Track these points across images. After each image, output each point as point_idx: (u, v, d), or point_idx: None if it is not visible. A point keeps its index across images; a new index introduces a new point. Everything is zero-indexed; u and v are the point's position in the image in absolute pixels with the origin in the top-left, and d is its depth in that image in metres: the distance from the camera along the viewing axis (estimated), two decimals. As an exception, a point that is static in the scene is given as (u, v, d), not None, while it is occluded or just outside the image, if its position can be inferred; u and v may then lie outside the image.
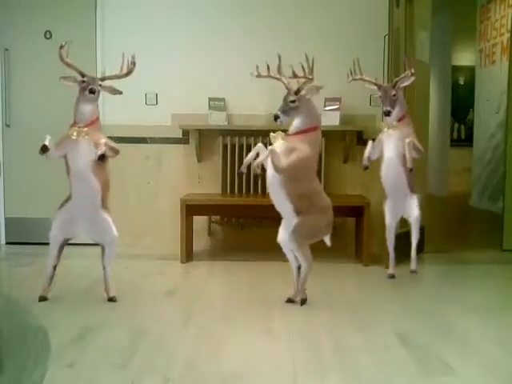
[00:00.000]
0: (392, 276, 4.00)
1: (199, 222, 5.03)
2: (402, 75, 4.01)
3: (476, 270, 4.61)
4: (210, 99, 4.99)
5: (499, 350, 2.81)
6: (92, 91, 3.45)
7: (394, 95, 3.91)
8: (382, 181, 4.07)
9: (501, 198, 5.56)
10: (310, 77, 3.40)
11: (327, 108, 4.96)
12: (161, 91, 5.16)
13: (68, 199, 3.51)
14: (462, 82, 9.73)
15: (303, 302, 3.47)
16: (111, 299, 3.55)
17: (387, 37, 4.56)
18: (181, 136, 5.17)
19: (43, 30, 5.16)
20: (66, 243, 3.60)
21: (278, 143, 3.36)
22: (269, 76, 3.44)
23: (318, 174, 5.00)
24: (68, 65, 3.46)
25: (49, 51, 5.12)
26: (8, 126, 5.25)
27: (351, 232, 4.96)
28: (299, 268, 3.48)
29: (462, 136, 9.95)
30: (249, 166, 3.38)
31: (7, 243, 5.30)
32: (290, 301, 3.49)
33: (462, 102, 9.49)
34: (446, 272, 4.50)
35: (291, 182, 3.33)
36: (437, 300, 3.67)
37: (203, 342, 2.91)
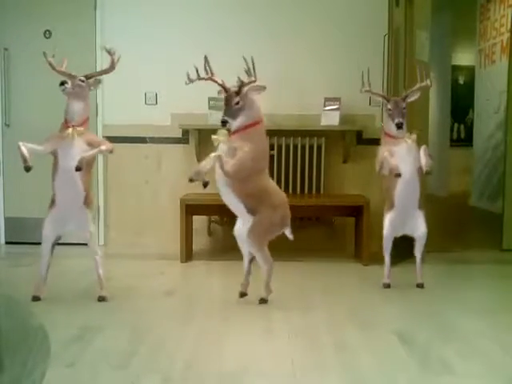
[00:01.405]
0: (387, 285, 3.89)
1: (199, 221, 5.03)
2: (413, 88, 3.85)
3: (476, 269, 4.61)
4: (210, 99, 4.98)
5: (499, 350, 2.81)
6: (62, 83, 3.47)
7: (405, 108, 3.75)
8: (394, 194, 3.81)
9: (500, 197, 5.56)
10: (254, 79, 3.33)
11: (327, 108, 4.96)
12: (160, 91, 5.15)
13: (54, 198, 3.54)
14: (461, 82, 9.72)
15: (262, 301, 3.47)
16: (102, 298, 3.56)
17: (387, 36, 4.56)
18: (180, 136, 5.17)
19: (43, 29, 5.16)
20: (57, 242, 3.60)
21: (221, 146, 3.37)
22: (200, 79, 3.40)
23: (318, 173, 5.05)
24: (61, 73, 3.49)
25: (48, 51, 5.14)
26: (8, 125, 5.25)
27: (351, 232, 4.96)
28: (251, 261, 3.54)
29: (462, 136, 9.95)
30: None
31: (7, 243, 5.30)
32: (243, 295, 3.55)
33: (461, 101, 9.49)
34: (445, 272, 4.50)
35: (238, 183, 3.36)
36: (436, 300, 3.67)
37: (203, 342, 2.91)
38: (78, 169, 3.37)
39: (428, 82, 3.86)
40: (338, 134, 5.06)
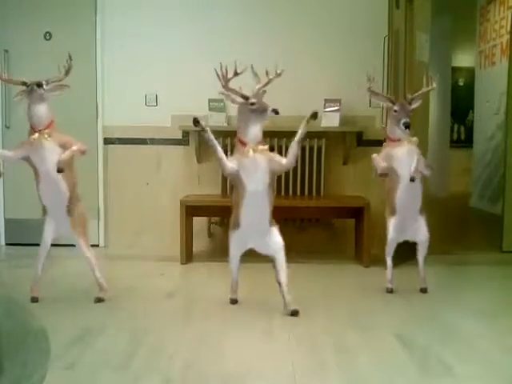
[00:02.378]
0: (390, 290, 3.83)
1: (199, 223, 5.03)
2: (420, 92, 3.79)
3: (475, 271, 4.61)
4: (210, 100, 4.99)
5: (499, 352, 2.81)
6: (23, 83, 3.52)
7: (411, 111, 3.69)
8: (395, 197, 3.76)
9: (501, 199, 5.56)
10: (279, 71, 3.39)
11: (327, 109, 4.96)
12: (161, 92, 5.16)
13: (42, 204, 3.58)
14: (461, 84, 9.73)
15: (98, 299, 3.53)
16: (98, 300, 3.58)
17: (387, 38, 4.56)
18: (181, 137, 5.18)
19: (43, 31, 5.16)
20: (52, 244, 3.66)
21: (260, 156, 3.34)
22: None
23: (318, 175, 5.05)
24: (7, 81, 3.58)
25: (48, 52, 5.14)
26: (8, 127, 5.26)
27: (351, 233, 4.96)
28: None
29: (462, 137, 9.95)
30: None
31: (7, 244, 5.30)
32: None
33: (461, 103, 9.49)
34: (445, 273, 4.49)
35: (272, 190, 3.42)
36: (436, 301, 3.67)
37: (203, 343, 2.91)
38: (59, 170, 3.40)
39: (434, 85, 3.84)
40: (338, 136, 5.06)
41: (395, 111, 3.70)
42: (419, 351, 2.80)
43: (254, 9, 5.10)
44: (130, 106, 5.12)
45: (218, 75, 3.25)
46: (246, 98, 3.31)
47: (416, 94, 3.78)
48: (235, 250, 3.51)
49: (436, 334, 3.06)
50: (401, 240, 3.89)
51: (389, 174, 3.78)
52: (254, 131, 3.32)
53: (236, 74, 3.27)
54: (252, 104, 3.28)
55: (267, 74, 3.36)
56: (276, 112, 3.25)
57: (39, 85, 3.50)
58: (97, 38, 5.13)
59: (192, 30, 5.11)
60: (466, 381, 2.49)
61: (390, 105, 3.75)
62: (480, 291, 4.01)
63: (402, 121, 3.63)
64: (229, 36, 5.07)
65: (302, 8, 5.07)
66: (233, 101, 3.33)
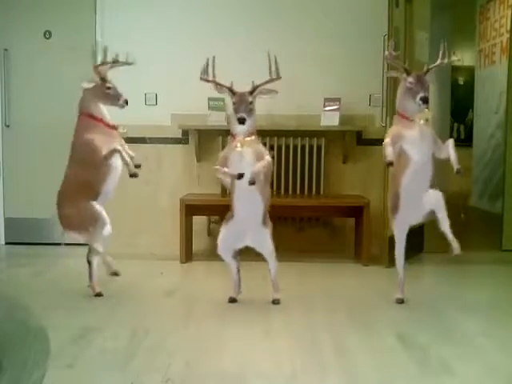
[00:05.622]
0: (401, 301, 3.52)
1: (199, 222, 5.03)
2: (435, 63, 3.49)
3: (475, 270, 4.61)
4: (210, 99, 4.98)
5: (499, 351, 2.81)
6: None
7: (428, 85, 3.34)
8: (400, 185, 3.43)
9: (500, 197, 5.56)
10: (278, 76, 3.33)
11: (327, 108, 4.96)
12: (160, 91, 5.15)
13: None
14: (461, 83, 9.73)
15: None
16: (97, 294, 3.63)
17: (386, 37, 4.56)
18: (180, 136, 5.17)
19: (43, 30, 5.16)
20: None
21: (247, 150, 3.31)
22: (205, 80, 3.39)
23: (318, 174, 5.05)
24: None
25: (48, 51, 5.14)
26: (8, 126, 5.25)
27: (351, 232, 4.96)
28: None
29: (462, 136, 9.95)
30: None
31: (7, 243, 5.30)
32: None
33: (461, 102, 9.49)
34: (445, 272, 4.50)
35: (263, 189, 3.43)
36: (436, 300, 3.67)
37: (203, 342, 2.91)
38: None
39: (454, 57, 3.51)
40: (337, 135, 5.06)
41: (410, 83, 3.32)
42: (419, 350, 2.80)
43: (254, 8, 5.10)
44: (130, 105, 5.08)
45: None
46: (233, 93, 3.32)
47: (432, 66, 3.45)
48: (222, 241, 3.50)
49: (436, 333, 3.06)
50: (407, 229, 3.56)
51: (397, 157, 3.35)
52: (237, 126, 3.31)
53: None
54: (234, 103, 3.30)
55: (270, 73, 3.35)
56: (240, 121, 3.24)
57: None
58: (96, 38, 5.13)
59: (192, 29, 5.11)
60: (465, 380, 2.49)
61: (405, 75, 3.37)
62: (480, 290, 4.01)
63: (420, 95, 3.26)
64: (228, 35, 5.06)
65: (301, 7, 5.07)
66: (219, 91, 3.38)
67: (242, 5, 5.10)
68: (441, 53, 3.46)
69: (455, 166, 3.29)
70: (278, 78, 3.34)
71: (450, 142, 3.36)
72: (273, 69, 3.32)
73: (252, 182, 3.20)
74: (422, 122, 3.32)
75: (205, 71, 3.34)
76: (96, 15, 5.14)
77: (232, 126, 3.38)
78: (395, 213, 3.52)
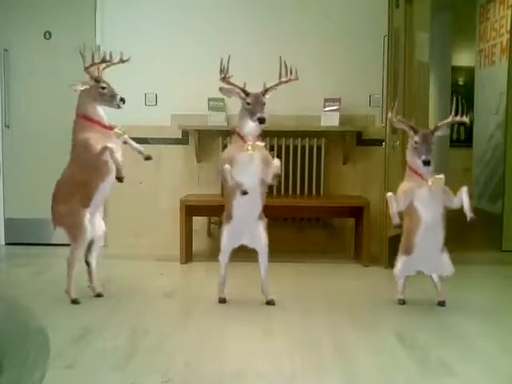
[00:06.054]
0: (403, 302, 3.56)
1: (199, 222, 5.03)
2: (445, 121, 3.49)
3: (475, 270, 4.61)
4: (210, 100, 4.99)
5: (499, 351, 2.81)
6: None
7: (433, 143, 3.40)
8: (414, 241, 3.43)
9: (500, 198, 5.56)
10: (293, 78, 3.40)
11: (327, 109, 4.96)
12: (160, 92, 5.16)
13: None
14: (461, 83, 9.73)
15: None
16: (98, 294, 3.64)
17: (387, 37, 4.56)
18: (180, 136, 5.18)
19: (43, 30, 5.16)
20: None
21: (256, 154, 3.34)
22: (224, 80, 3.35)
23: (318, 174, 5.05)
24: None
25: (48, 52, 5.14)
26: (8, 126, 5.25)
27: (351, 233, 4.96)
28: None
29: (462, 136, 9.94)
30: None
31: (7, 244, 5.30)
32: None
33: (461, 102, 9.49)
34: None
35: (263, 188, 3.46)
36: (436, 300, 3.67)
37: (203, 342, 2.91)
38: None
39: (464, 118, 3.49)
40: (337, 135, 5.06)
41: (415, 142, 3.37)
42: (419, 350, 2.80)
43: (254, 9, 5.10)
44: (130, 106, 5.09)
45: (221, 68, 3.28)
46: (246, 93, 3.34)
47: (441, 124, 3.49)
48: (227, 243, 3.51)
49: (436, 333, 3.06)
50: (412, 273, 3.59)
51: (408, 213, 3.44)
52: (251, 126, 3.34)
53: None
54: (248, 104, 3.30)
55: (280, 75, 3.39)
56: (261, 121, 3.26)
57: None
58: (96, 38, 5.13)
59: (192, 29, 5.11)
60: (466, 381, 2.49)
61: (412, 133, 3.42)
62: (480, 290, 4.01)
63: (422, 158, 3.33)
64: (228, 35, 5.06)
65: (302, 7, 5.07)
66: (231, 93, 3.37)
67: (243, 5, 5.11)
68: (453, 110, 3.47)
69: (468, 214, 3.34)
70: (296, 78, 3.44)
71: (464, 191, 3.39)
72: (283, 71, 3.38)
73: (277, 178, 3.37)
74: (431, 184, 3.38)
75: (225, 70, 3.32)
76: (96, 15, 5.14)
77: (241, 126, 3.38)
78: (407, 254, 3.53)
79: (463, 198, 3.36)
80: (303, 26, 5.06)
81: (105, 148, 3.40)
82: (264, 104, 3.32)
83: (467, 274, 4.43)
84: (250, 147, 3.32)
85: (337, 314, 3.37)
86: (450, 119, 3.48)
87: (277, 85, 3.40)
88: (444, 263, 3.48)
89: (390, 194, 3.45)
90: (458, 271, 4.51)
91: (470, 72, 8.92)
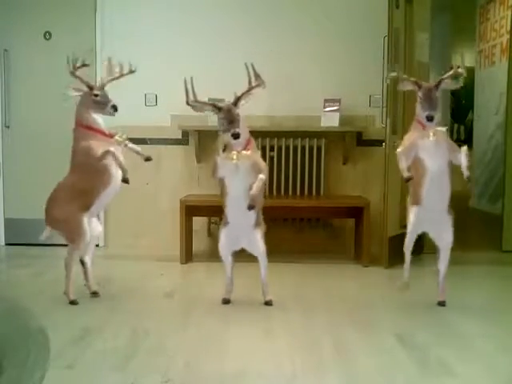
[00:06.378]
0: (407, 286, 3.57)
1: (199, 222, 5.03)
2: (447, 74, 3.53)
3: (475, 270, 4.61)
4: (210, 100, 4.97)
5: (499, 351, 2.81)
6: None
7: (437, 97, 3.46)
8: (421, 191, 3.41)
9: (500, 198, 5.56)
10: (260, 82, 3.33)
11: (327, 109, 4.96)
12: (160, 92, 5.16)
13: None
14: (461, 83, 9.73)
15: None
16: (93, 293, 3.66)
17: (387, 38, 4.56)
18: (180, 137, 5.18)
19: (43, 30, 5.16)
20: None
21: (243, 163, 3.31)
22: (190, 104, 3.42)
23: (318, 174, 5.05)
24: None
25: (48, 52, 5.14)
26: (7, 127, 5.25)
27: (351, 233, 4.96)
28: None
29: (462, 137, 9.95)
30: None
31: (7, 244, 5.30)
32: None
33: (461, 102, 9.49)
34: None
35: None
36: (436, 301, 3.66)
37: (203, 343, 2.91)
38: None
39: (461, 70, 3.56)
40: (337, 135, 5.06)
41: (420, 98, 3.44)
42: (419, 350, 2.80)
43: (254, 9, 5.10)
44: (130, 106, 5.11)
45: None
46: (218, 108, 3.35)
47: (443, 77, 3.52)
48: (224, 246, 3.51)
49: (436, 333, 3.06)
50: (421, 231, 3.58)
51: (414, 166, 3.41)
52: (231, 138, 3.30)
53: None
54: (221, 119, 3.33)
55: (250, 81, 3.34)
56: (235, 137, 3.24)
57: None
58: (96, 38, 5.13)
59: (192, 29, 5.11)
60: (465, 381, 2.49)
61: (417, 88, 3.46)
62: (480, 291, 4.01)
63: (425, 113, 3.38)
64: (228, 35, 5.07)
65: (302, 8, 5.07)
66: (204, 110, 3.43)
67: (242, 5, 5.11)
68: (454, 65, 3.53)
69: (465, 173, 3.32)
70: (259, 85, 3.34)
71: (464, 150, 3.41)
72: (252, 77, 3.32)
73: (251, 207, 3.24)
74: (434, 136, 3.39)
75: (189, 94, 3.34)
76: (96, 16, 5.14)
77: (226, 139, 3.34)
78: (416, 204, 3.48)
79: (462, 157, 3.36)
80: (303, 26, 5.06)
81: (107, 152, 3.41)
82: (237, 115, 3.28)
83: (467, 275, 4.44)
84: (234, 156, 3.30)
85: (337, 314, 3.37)
86: (451, 72, 3.53)
87: (247, 91, 3.35)
88: (445, 228, 3.46)
89: (399, 149, 3.42)
90: (458, 271, 4.52)
91: (469, 72, 8.91)
